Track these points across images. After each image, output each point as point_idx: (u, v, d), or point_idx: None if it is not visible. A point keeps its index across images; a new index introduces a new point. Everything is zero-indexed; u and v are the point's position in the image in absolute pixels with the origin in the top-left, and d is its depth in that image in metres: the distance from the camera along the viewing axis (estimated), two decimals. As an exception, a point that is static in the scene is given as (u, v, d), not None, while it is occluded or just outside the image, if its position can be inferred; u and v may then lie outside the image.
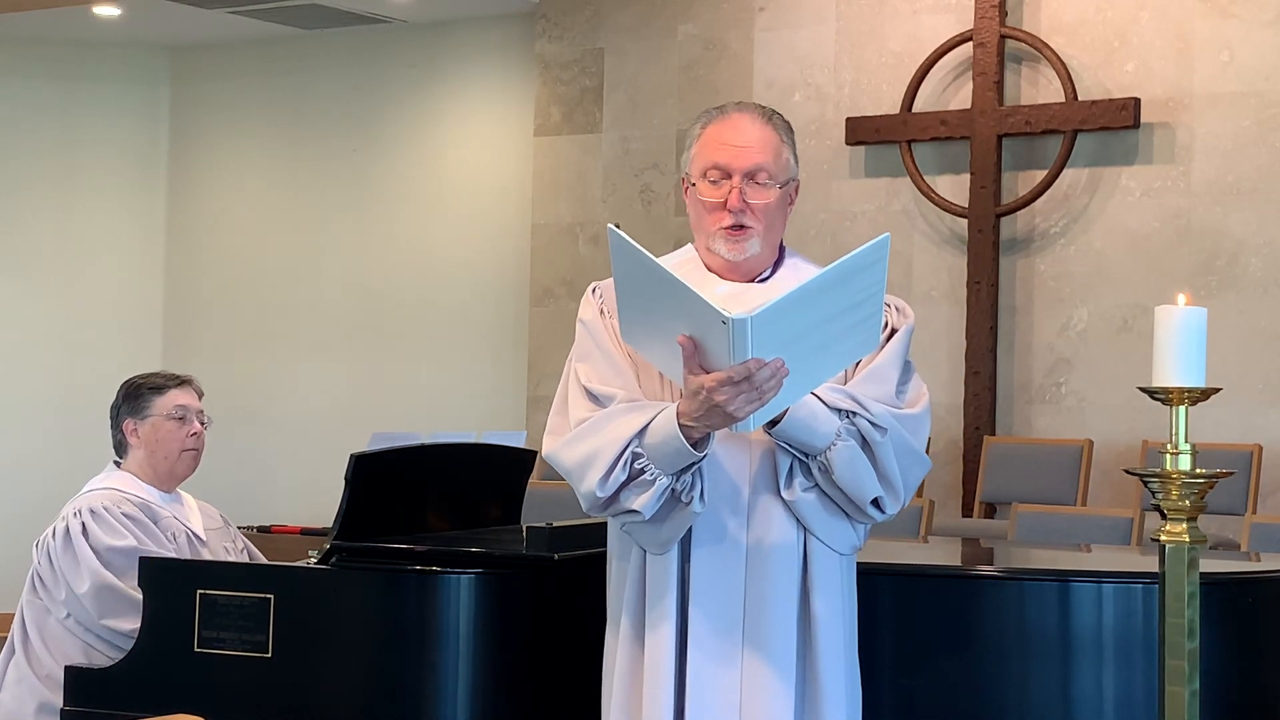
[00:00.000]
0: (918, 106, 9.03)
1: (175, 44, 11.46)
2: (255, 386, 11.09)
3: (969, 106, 8.89)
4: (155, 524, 4.43)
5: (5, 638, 4.48)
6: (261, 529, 9.61)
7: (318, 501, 8.98)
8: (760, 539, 3.18)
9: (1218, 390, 2.90)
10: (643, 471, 3.08)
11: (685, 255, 3.31)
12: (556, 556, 3.78)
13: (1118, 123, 8.55)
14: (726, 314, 2.86)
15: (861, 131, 9.12)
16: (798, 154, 3.30)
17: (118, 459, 4.57)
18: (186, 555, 4.42)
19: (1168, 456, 2.87)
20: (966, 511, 8.72)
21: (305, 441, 10.87)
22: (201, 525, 4.57)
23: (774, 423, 3.07)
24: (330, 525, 4.03)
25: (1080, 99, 8.66)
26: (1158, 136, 8.59)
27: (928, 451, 3.29)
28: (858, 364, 3.21)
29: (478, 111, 10.71)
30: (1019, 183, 8.87)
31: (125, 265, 11.49)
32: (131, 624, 4.17)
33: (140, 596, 4.13)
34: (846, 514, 3.20)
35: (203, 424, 4.58)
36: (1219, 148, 8.47)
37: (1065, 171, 8.72)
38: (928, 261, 9.06)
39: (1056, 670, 3.70)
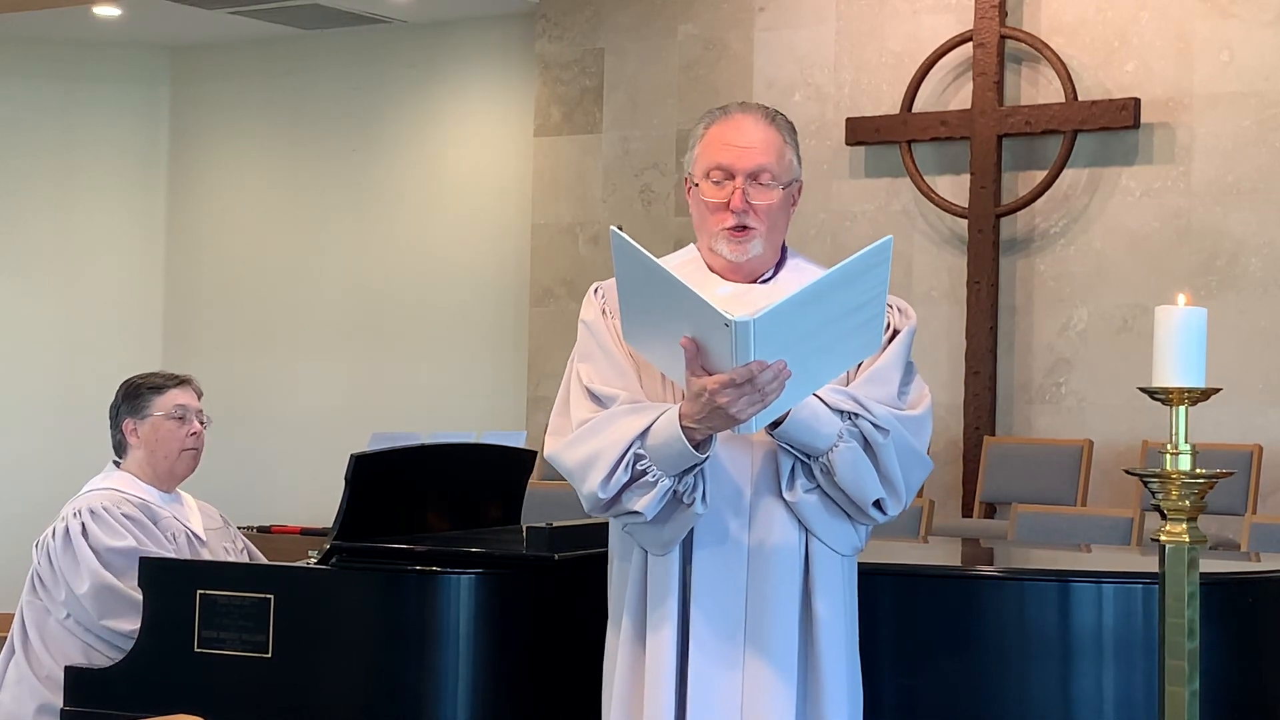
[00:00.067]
0: (918, 107, 9.03)
1: (175, 44, 11.46)
2: (255, 386, 11.09)
3: (969, 106, 8.89)
4: (155, 524, 4.43)
5: (5, 638, 4.48)
6: (261, 529, 9.62)
7: (318, 501, 8.98)
8: (762, 540, 3.17)
9: (1218, 390, 2.90)
10: (645, 473, 3.07)
11: (687, 255, 3.31)
12: (556, 556, 3.78)
13: (1118, 123, 8.55)
14: (729, 317, 2.86)
15: (861, 131, 9.12)
16: (800, 154, 3.30)
17: (117, 459, 4.57)
18: (186, 555, 4.42)
19: (1168, 456, 2.87)
20: (966, 511, 8.72)
21: (305, 441, 10.87)
22: (201, 525, 4.57)
23: (776, 424, 3.07)
24: (330, 525, 4.03)
25: (1080, 99, 8.66)
26: (1158, 136, 8.59)
27: (929, 453, 3.29)
28: (860, 365, 3.22)
29: (478, 111, 10.71)
30: (1019, 183, 8.87)
31: (125, 265, 11.49)
32: (131, 625, 4.17)
33: (140, 597, 4.13)
34: (848, 515, 3.20)
35: (202, 423, 4.57)
36: (1219, 148, 8.47)
37: (1065, 172, 8.72)
38: (928, 261, 9.06)
39: (1056, 670, 3.70)
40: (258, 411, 11.02)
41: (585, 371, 3.22)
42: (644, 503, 3.08)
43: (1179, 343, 2.86)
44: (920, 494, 7.21)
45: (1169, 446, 2.88)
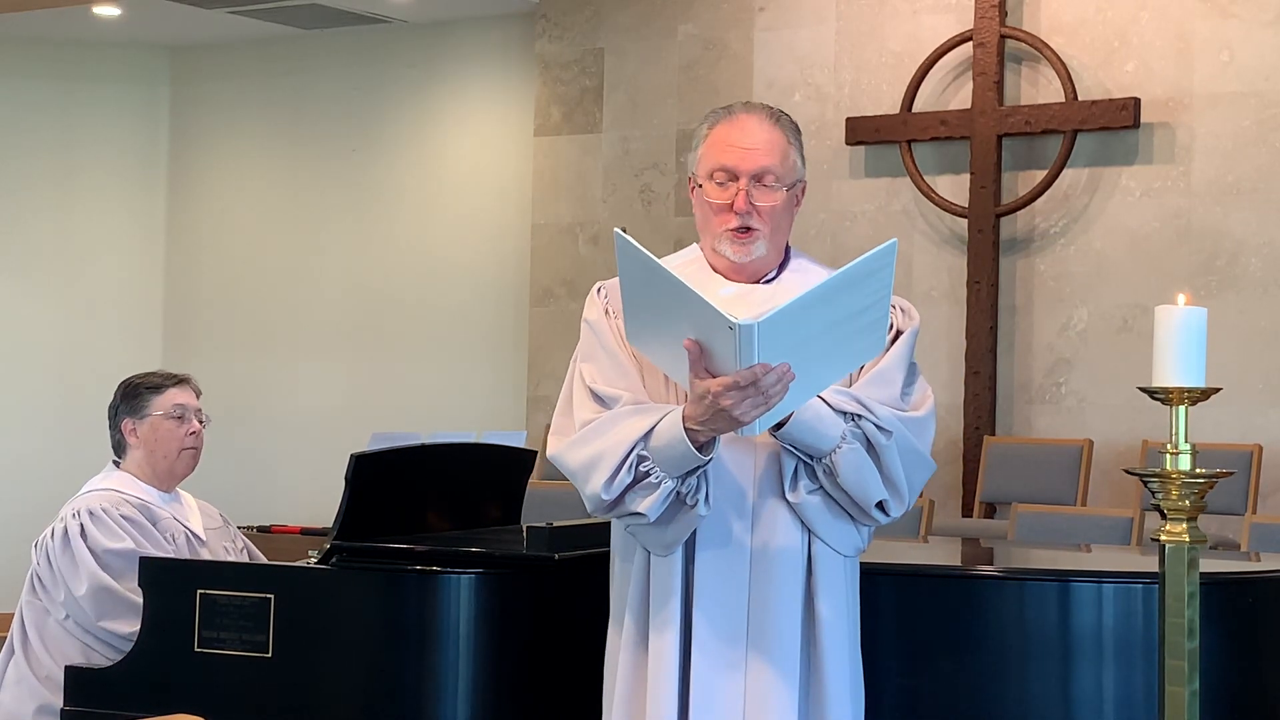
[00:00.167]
0: (918, 106, 9.03)
1: (175, 44, 11.46)
2: (255, 386, 11.09)
3: (969, 106, 8.89)
4: (154, 524, 4.42)
5: (5, 638, 4.48)
6: (261, 529, 9.62)
7: (318, 501, 8.98)
8: (765, 542, 3.17)
9: (1218, 390, 2.90)
10: (648, 474, 3.07)
11: (690, 255, 3.31)
12: (557, 556, 3.77)
13: (1118, 123, 8.55)
14: (733, 319, 2.86)
15: (861, 131, 9.12)
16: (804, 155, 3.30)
17: (117, 459, 4.56)
18: (186, 555, 4.41)
19: (1168, 456, 2.87)
20: (966, 511, 8.72)
21: (305, 441, 10.87)
22: (201, 525, 4.56)
23: (779, 425, 3.07)
24: (330, 525, 4.03)
25: (1080, 99, 8.66)
26: (1158, 136, 8.59)
27: (931, 453, 3.29)
28: (863, 366, 3.21)
29: (478, 111, 10.71)
30: (1019, 183, 8.86)
31: (125, 265, 11.49)
32: (129, 626, 4.16)
33: (138, 599, 4.12)
34: (851, 516, 3.20)
35: (201, 423, 4.57)
36: (1219, 148, 8.47)
37: (1065, 171, 8.72)
38: (928, 261, 9.06)
39: (1056, 670, 3.70)
40: (258, 411, 11.02)
41: (588, 372, 3.22)
42: (647, 504, 3.08)
43: (1179, 343, 2.86)
44: (920, 494, 7.22)
45: (1169, 446, 2.88)
